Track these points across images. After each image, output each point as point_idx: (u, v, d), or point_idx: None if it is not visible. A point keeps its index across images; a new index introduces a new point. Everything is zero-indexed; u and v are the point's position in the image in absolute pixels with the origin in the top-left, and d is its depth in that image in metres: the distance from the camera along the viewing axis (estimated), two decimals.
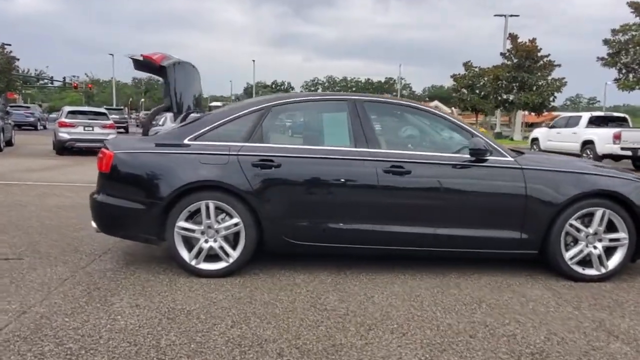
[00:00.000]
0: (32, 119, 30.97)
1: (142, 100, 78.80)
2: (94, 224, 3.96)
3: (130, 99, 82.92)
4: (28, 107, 35.04)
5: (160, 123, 14.84)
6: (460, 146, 3.99)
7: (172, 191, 3.67)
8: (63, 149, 14.57)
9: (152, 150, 3.82)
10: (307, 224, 3.78)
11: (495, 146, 3.91)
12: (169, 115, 16.00)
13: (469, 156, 3.87)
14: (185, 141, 3.84)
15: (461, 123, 4.06)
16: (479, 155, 3.79)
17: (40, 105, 51.51)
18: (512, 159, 3.89)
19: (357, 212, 3.78)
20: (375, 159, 3.77)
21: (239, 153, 3.75)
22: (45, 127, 32.13)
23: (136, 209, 3.74)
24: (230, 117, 3.93)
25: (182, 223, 3.73)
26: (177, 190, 3.67)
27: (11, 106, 32.24)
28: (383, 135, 4.10)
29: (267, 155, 3.75)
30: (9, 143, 17.18)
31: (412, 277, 3.96)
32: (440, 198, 3.81)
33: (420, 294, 3.59)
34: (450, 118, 4.04)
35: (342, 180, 3.76)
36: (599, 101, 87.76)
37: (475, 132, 3.95)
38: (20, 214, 5.89)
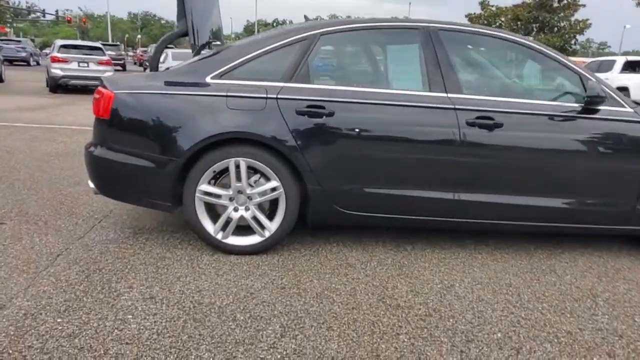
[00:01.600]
0: (24, 54, 29.31)
1: (139, 36, 75.64)
2: (91, 184, 3.11)
3: (126, 35, 79.72)
4: (19, 41, 33.19)
5: (162, 60, 13.66)
6: (564, 92, 3.09)
7: (191, 145, 2.80)
8: (57, 86, 13.47)
9: (164, 90, 2.90)
10: (365, 190, 2.94)
11: (612, 93, 2.99)
12: (170, 52, 14.81)
13: (575, 105, 2.97)
14: (207, 79, 2.92)
15: (570, 62, 3.11)
16: (594, 104, 2.89)
17: (32, 40, 49.24)
18: (631, 110, 3.00)
19: (430, 176, 2.93)
20: (456, 107, 2.87)
21: (279, 96, 2.84)
22: (38, 63, 30.52)
23: (145, 168, 2.88)
24: (265, 48, 2.98)
25: (204, 186, 2.88)
26: (198, 145, 2.80)
27: (1, 40, 30.53)
28: (467, 75, 3.17)
29: (317, 100, 2.84)
30: None
31: (491, 256, 3.17)
32: (539, 159, 2.95)
33: (511, 283, 2.81)
34: (557, 55, 3.08)
35: (412, 134, 2.88)
36: (609, 47, 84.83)
37: (588, 74, 3.02)
38: (6, 163, 5.04)
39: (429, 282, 2.77)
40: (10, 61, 26.69)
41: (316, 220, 3.08)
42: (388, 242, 3.32)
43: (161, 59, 11.23)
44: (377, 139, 2.87)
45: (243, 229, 2.99)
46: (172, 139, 2.83)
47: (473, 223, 3.05)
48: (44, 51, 37.61)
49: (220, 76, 2.93)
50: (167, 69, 3.40)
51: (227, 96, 2.84)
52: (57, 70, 13.38)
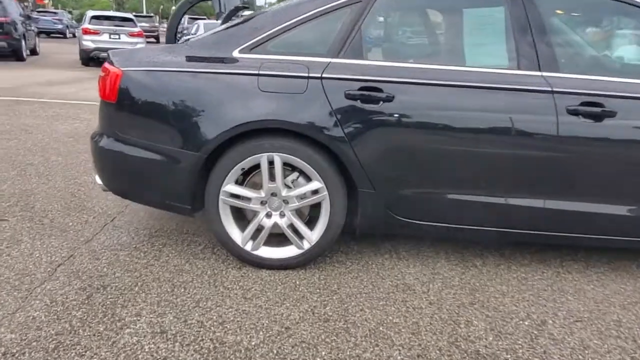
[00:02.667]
0: (60, 26, 29.39)
1: (174, 8, 75.32)
2: (98, 180, 2.62)
3: (161, 7, 79.65)
4: (55, 13, 33.31)
5: (193, 32, 13.13)
6: None
7: (214, 137, 2.25)
8: (89, 59, 13.19)
9: (182, 67, 2.34)
10: (430, 193, 2.33)
11: None
12: (202, 22, 14.22)
13: None
14: (234, 54, 2.34)
15: None
16: None
17: (70, 12, 49.59)
18: None
19: (515, 179, 2.30)
20: (553, 90, 2.20)
21: (325, 76, 2.24)
22: (74, 35, 30.56)
23: (158, 163, 2.35)
24: (307, 14, 2.36)
25: (231, 187, 2.34)
26: (222, 136, 2.24)
27: (38, 12, 30.66)
28: (568, 49, 2.48)
29: (372, 81, 2.23)
30: (33, 52, 15.90)
31: (585, 277, 2.53)
32: None
33: (620, 320, 2.17)
34: None
35: (493, 125, 2.24)
36: None
37: None
38: (22, 145, 4.64)
39: (513, 316, 2.16)
40: (48, 33, 26.82)
41: (364, 229, 2.51)
42: (451, 254, 2.72)
43: (193, 30, 10.68)
44: (447, 130, 2.24)
45: (276, 237, 2.45)
46: (190, 128, 2.28)
47: (571, 238, 2.40)
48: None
49: (250, 50, 2.34)
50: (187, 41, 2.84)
51: (258, 75, 2.25)
52: (88, 43, 13.10)
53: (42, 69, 11.92)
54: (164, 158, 2.34)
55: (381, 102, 2.21)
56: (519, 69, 2.25)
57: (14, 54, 13.19)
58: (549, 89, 2.20)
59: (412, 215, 2.38)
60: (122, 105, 2.37)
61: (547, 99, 2.20)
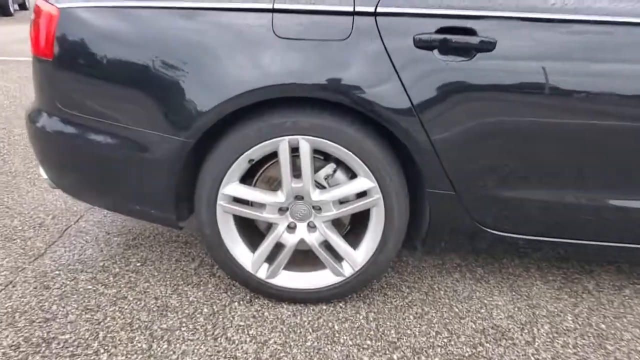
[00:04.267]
0: None
1: None
2: (42, 173, 1.81)
3: None
4: None
5: None
6: None
7: (206, 112, 1.41)
8: None
9: (153, 1, 1.47)
10: (537, 195, 1.50)
11: None
12: None
13: None
14: None
15: None
16: None
17: None
18: None
19: None
20: None
21: (380, 10, 1.37)
22: None
23: (120, 152, 1.54)
24: None
25: (233, 188, 1.53)
26: (218, 110, 1.41)
27: None
28: None
29: (460, 17, 1.35)
30: (22, 6, 14.87)
31: None
32: None
33: None
34: None
35: None
36: None
37: None
38: None
39: None
40: None
41: (432, 246, 1.70)
42: (545, 268, 1.93)
43: None
44: (595, 104, 1.37)
45: (302, 256, 1.67)
46: (168, 99, 1.45)
47: None
48: None
49: None
50: None
51: (273, 11, 1.39)
52: None
53: (25, 24, 10.92)
54: (129, 145, 1.52)
55: (475, 53, 1.35)
56: None
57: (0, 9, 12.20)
58: None
59: (513, 227, 1.57)
60: (62, 65, 1.53)
61: None
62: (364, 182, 1.50)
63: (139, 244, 2.05)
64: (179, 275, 1.84)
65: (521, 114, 1.37)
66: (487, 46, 1.34)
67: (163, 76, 1.43)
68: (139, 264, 1.91)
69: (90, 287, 1.76)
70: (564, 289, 1.82)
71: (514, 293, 1.79)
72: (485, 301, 1.74)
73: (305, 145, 1.46)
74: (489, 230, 1.57)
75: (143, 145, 1.49)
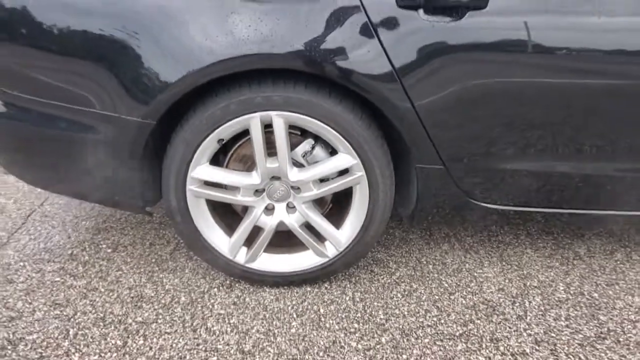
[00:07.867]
0: None
1: None
2: None
3: None
4: None
5: None
6: None
7: (166, 87, 1.26)
8: None
9: None
10: (531, 166, 1.41)
11: None
12: None
13: None
14: None
15: None
16: None
17: None
18: None
19: None
20: None
21: None
22: None
23: (69, 137, 1.38)
24: None
25: (203, 170, 1.40)
26: (179, 86, 1.26)
27: None
28: None
29: None
30: None
31: None
32: None
33: None
34: None
35: None
36: None
37: None
38: None
39: None
40: None
41: (420, 222, 1.61)
42: (535, 234, 1.87)
43: None
44: (597, 66, 1.25)
45: (283, 236, 1.57)
46: (121, 74, 1.28)
47: None
48: None
49: None
50: None
51: None
52: None
53: None
54: (79, 128, 1.36)
55: (464, 12, 1.20)
56: None
57: None
58: None
59: (505, 199, 1.48)
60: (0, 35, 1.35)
61: None
62: (346, 158, 1.38)
63: (110, 227, 1.93)
64: (153, 260, 1.74)
65: (517, 75, 1.25)
66: (479, 3, 1.19)
67: (112, 45, 1.26)
68: (110, 250, 1.79)
69: (58, 279, 1.65)
70: (555, 256, 1.77)
71: (504, 263, 1.73)
72: (475, 274, 1.68)
73: (279, 122, 1.33)
74: (479, 203, 1.48)
75: (94, 127, 1.34)
